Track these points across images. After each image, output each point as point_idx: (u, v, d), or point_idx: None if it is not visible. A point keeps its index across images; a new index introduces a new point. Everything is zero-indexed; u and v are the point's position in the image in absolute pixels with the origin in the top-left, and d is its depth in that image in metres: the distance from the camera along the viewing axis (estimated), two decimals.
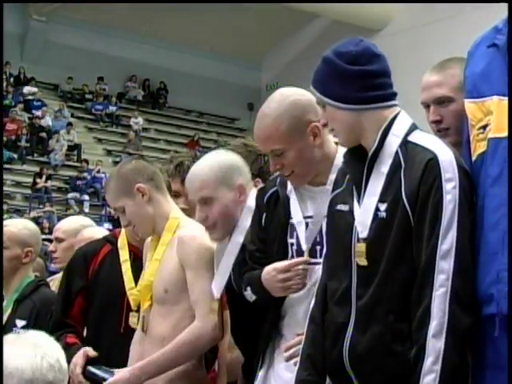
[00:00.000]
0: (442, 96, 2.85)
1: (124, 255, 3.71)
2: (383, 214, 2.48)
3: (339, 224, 2.62)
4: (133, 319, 3.52)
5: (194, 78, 26.37)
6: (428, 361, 2.34)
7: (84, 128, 25.23)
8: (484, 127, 2.50)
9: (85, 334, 3.74)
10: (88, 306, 3.71)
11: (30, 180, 21.70)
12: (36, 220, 17.32)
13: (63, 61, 24.41)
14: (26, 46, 25.08)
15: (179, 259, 3.29)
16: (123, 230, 3.75)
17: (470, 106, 2.57)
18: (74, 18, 24.44)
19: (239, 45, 25.98)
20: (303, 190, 2.96)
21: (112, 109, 25.86)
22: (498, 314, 2.35)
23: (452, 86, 2.83)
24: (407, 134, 2.54)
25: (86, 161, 23.15)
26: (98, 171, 23.00)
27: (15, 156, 22.03)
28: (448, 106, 2.85)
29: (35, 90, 24.30)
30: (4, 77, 23.21)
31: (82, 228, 4.50)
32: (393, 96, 2.61)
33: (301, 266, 2.83)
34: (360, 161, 2.58)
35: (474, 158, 2.53)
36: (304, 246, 2.89)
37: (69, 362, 3.55)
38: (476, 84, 2.55)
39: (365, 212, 2.53)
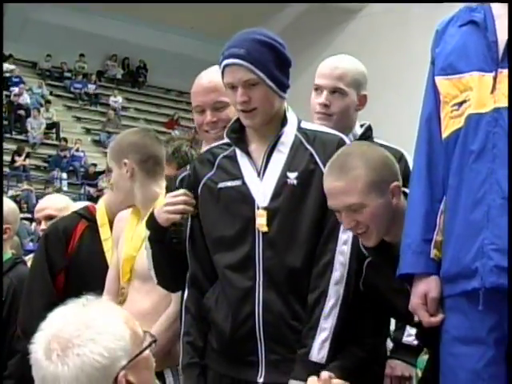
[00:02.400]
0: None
1: (105, 233, 3.71)
2: (293, 182, 2.78)
3: (229, 198, 2.84)
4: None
5: (173, 57, 26.27)
6: (329, 303, 2.70)
7: (63, 106, 25.09)
8: (460, 104, 2.51)
9: None
10: (68, 285, 3.68)
11: (9, 158, 21.59)
12: (14, 199, 17.24)
13: (42, 38, 24.24)
14: (5, 22, 24.87)
15: None
16: (100, 206, 3.75)
17: (444, 82, 2.58)
18: None
19: (220, 23, 25.87)
20: None
21: (91, 87, 25.73)
22: (481, 288, 2.37)
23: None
24: (299, 123, 2.90)
25: (65, 139, 23.04)
26: (77, 150, 22.92)
27: None
28: None
29: (13, 67, 24.12)
30: None
31: (69, 204, 4.49)
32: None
33: (182, 191, 2.92)
34: (242, 141, 2.89)
35: (445, 135, 2.54)
36: None
37: None
38: (450, 61, 2.57)
39: (266, 184, 2.79)
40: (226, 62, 2.78)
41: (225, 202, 2.84)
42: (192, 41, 26.34)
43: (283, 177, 2.78)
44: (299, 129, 2.88)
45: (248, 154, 2.86)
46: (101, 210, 3.75)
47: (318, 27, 23.64)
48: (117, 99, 25.55)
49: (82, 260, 3.69)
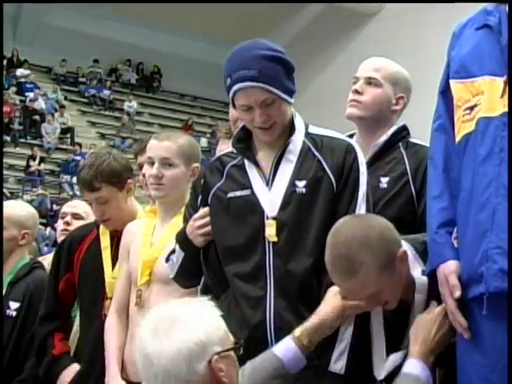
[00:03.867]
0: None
1: (104, 242, 3.74)
2: (302, 190, 2.77)
3: (238, 207, 2.84)
4: (108, 306, 3.55)
5: (188, 62, 26.33)
6: None
7: (77, 111, 25.17)
8: (471, 108, 2.51)
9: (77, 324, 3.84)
10: (78, 294, 3.79)
11: (23, 163, 21.66)
12: (29, 203, 17.31)
13: (57, 43, 24.34)
14: (19, 28, 25.00)
15: None
16: None
17: (457, 86, 2.58)
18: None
19: (234, 29, 25.90)
20: None
21: (106, 92, 25.80)
22: (485, 292, 2.36)
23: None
24: (306, 129, 2.89)
25: (80, 144, 23.11)
26: None
27: (8, 139, 21.98)
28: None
29: (28, 72, 24.22)
30: None
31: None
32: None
33: (207, 211, 2.94)
34: (250, 150, 2.89)
35: (458, 139, 2.55)
36: None
37: (57, 375, 3.65)
38: (465, 64, 2.57)
39: (275, 193, 2.79)
40: (239, 86, 2.74)
41: (234, 212, 2.84)
42: (206, 45, 26.39)
43: (292, 186, 2.78)
44: (307, 134, 2.87)
45: (256, 162, 2.86)
46: None
47: (332, 31, 23.66)
48: (131, 104, 25.61)
49: (86, 269, 3.74)
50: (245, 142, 2.90)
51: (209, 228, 2.90)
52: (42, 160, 21.97)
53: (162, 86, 27.61)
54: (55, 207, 19.55)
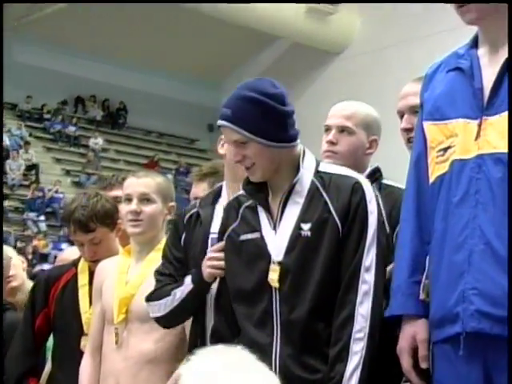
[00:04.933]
0: (416, 105, 2.92)
1: (82, 279, 3.72)
2: (307, 233, 2.70)
3: (248, 251, 2.81)
4: (84, 342, 3.52)
5: (154, 99, 26.36)
6: (352, 363, 2.59)
7: (42, 148, 25.06)
8: (445, 149, 2.54)
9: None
10: (54, 331, 3.77)
11: None
12: None
13: (23, 80, 24.27)
14: None
15: None
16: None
17: (431, 127, 2.61)
18: (33, 37, 24.33)
19: (200, 66, 26.04)
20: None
21: (71, 128, 25.74)
22: (462, 332, 2.37)
23: None
24: (317, 167, 2.82)
25: (38, 181, 23.01)
26: (56, 191, 22.84)
27: None
28: None
29: None
30: None
31: None
32: (298, 134, 2.83)
33: (222, 245, 2.91)
34: (261, 192, 2.82)
35: (432, 180, 2.57)
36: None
37: None
38: (438, 106, 2.60)
39: (280, 237, 2.75)
40: (218, 123, 2.79)
41: (245, 256, 2.80)
42: (171, 82, 26.47)
43: (297, 229, 2.71)
44: (316, 173, 2.80)
45: (266, 205, 2.81)
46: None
47: (298, 69, 23.84)
48: (97, 141, 25.56)
49: (62, 308, 3.71)
50: (259, 183, 2.83)
51: (220, 263, 2.87)
52: (6, 197, 21.79)
53: (127, 122, 27.60)
54: (19, 244, 19.39)
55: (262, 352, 2.59)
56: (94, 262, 3.67)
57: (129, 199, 3.41)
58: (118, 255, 3.64)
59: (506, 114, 2.42)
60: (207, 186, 3.86)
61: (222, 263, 2.86)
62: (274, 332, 2.69)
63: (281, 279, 2.69)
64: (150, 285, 3.20)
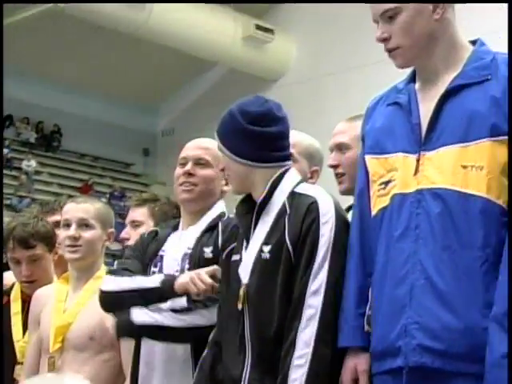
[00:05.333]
0: (341, 143, 3.12)
1: (15, 307, 3.68)
2: (267, 256, 2.69)
3: (232, 274, 2.81)
4: (18, 372, 3.45)
5: (89, 122, 26.15)
6: None
7: None
8: (386, 183, 2.58)
9: None
10: None
11: None
12: None
13: None
14: None
15: None
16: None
17: (372, 161, 2.65)
18: None
19: (136, 90, 25.93)
20: None
21: (4, 151, 25.37)
22: (405, 366, 2.41)
23: (353, 135, 3.02)
24: (294, 187, 2.77)
25: None
26: None
27: None
28: (346, 152, 3.09)
29: None
30: None
31: None
32: (286, 158, 2.83)
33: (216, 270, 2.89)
34: (249, 213, 2.79)
35: (374, 213, 2.61)
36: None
37: None
38: (378, 140, 2.65)
39: (248, 258, 2.75)
40: None
41: (231, 277, 2.83)
42: (107, 106, 26.30)
43: (260, 251, 2.72)
44: (291, 194, 2.76)
45: (246, 225, 2.81)
46: (17, 284, 3.70)
47: (234, 96, 23.83)
48: (30, 163, 25.22)
49: None
50: (252, 204, 2.82)
51: (200, 284, 2.85)
52: None
53: (61, 145, 27.30)
54: None
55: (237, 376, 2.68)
56: (28, 284, 3.60)
57: (67, 224, 3.39)
58: (53, 282, 3.60)
59: (443, 149, 2.48)
60: (147, 211, 3.85)
61: (202, 285, 2.83)
62: (247, 354, 2.69)
63: (244, 302, 2.70)
64: (88, 313, 3.17)
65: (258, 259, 2.70)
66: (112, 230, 3.47)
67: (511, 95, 2.27)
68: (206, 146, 3.24)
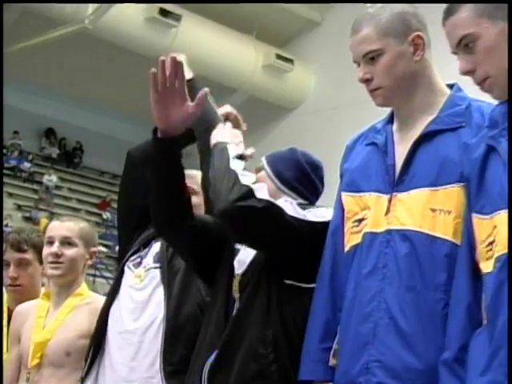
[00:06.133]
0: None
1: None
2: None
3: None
4: None
5: (110, 141, 26.25)
6: None
7: None
8: (360, 220, 2.59)
9: None
10: None
11: None
12: None
13: None
14: None
15: (90, 328, 3.27)
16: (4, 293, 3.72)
17: (348, 198, 2.65)
18: None
19: None
20: None
21: (26, 165, 25.48)
22: None
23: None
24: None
25: None
26: (6, 225, 22.51)
27: None
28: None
29: None
30: None
31: None
32: (309, 199, 2.95)
33: None
34: None
35: (347, 249, 2.61)
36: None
37: None
38: (354, 179, 2.65)
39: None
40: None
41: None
42: (128, 126, 26.37)
43: None
44: None
45: None
46: (5, 298, 3.72)
47: (251, 122, 23.92)
48: (51, 178, 25.32)
49: None
50: None
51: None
52: None
53: (82, 162, 27.42)
54: None
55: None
56: (14, 288, 3.61)
57: (51, 242, 3.43)
58: (39, 293, 3.61)
59: (413, 191, 2.48)
60: None
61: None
62: None
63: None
64: (66, 329, 3.18)
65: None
66: (95, 249, 3.51)
67: (511, 98, 2.22)
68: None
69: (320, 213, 2.80)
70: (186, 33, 21.46)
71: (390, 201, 2.51)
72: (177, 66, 2.75)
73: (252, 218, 2.65)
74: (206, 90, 2.86)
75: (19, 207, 24.40)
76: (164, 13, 21.05)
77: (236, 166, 2.76)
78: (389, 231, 2.48)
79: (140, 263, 3.23)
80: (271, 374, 2.65)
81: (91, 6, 20.27)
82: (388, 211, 2.50)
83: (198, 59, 23.14)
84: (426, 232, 2.42)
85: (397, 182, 2.52)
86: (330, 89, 23.24)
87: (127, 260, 3.24)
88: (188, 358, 2.88)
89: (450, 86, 2.62)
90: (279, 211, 2.67)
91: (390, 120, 2.66)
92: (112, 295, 3.20)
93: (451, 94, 2.59)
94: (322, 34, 23.11)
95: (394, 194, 2.51)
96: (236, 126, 3.14)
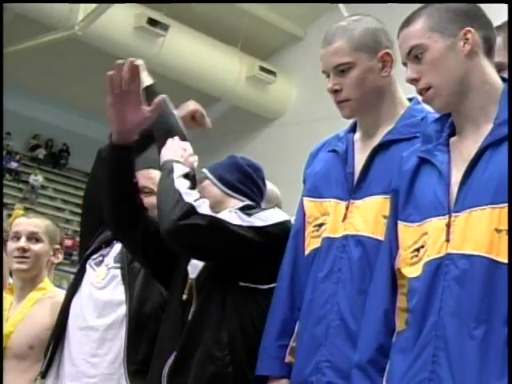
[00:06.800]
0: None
1: None
2: None
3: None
4: None
5: (95, 144, 25.96)
6: None
7: None
8: (320, 225, 2.61)
9: None
10: None
11: None
12: None
13: None
14: None
15: (53, 322, 3.28)
16: None
17: (309, 204, 2.68)
18: None
19: None
20: None
21: (14, 164, 25.35)
22: None
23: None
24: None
25: None
26: None
27: None
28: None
29: None
30: None
31: None
32: (254, 200, 2.99)
33: None
34: None
35: (307, 252, 2.64)
36: None
37: None
38: (316, 185, 2.68)
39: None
40: None
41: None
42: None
43: None
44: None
45: None
46: None
47: (233, 131, 23.95)
48: (37, 178, 25.21)
49: None
50: None
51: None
52: None
53: (68, 163, 27.30)
54: None
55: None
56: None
57: (17, 237, 3.42)
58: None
59: (368, 199, 2.51)
60: None
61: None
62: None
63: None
64: (28, 322, 3.17)
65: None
66: (58, 246, 3.52)
67: (511, 96, 2.23)
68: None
69: (265, 216, 2.80)
70: (173, 42, 21.45)
71: (347, 207, 2.54)
72: (134, 69, 2.73)
73: (197, 235, 2.66)
74: (164, 96, 2.84)
75: (4, 205, 24.26)
76: (152, 22, 21.03)
77: (181, 184, 2.77)
78: (345, 237, 2.51)
79: (102, 262, 3.24)
80: (227, 376, 2.65)
81: (82, 13, 20.23)
82: (345, 217, 2.53)
83: (184, 68, 23.15)
84: (378, 238, 2.45)
85: (354, 190, 2.55)
86: (310, 101, 23.27)
87: (89, 257, 3.24)
88: (150, 359, 2.88)
89: (411, 100, 2.66)
90: (223, 224, 2.69)
91: (353, 129, 2.70)
92: (73, 291, 3.20)
93: (409, 107, 2.63)
94: (304, 49, 23.15)
95: (352, 201, 2.54)
96: (201, 122, 3.18)
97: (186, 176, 2.83)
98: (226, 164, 3.00)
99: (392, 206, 2.36)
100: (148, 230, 2.92)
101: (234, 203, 2.91)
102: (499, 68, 2.39)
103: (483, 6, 2.36)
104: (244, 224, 2.72)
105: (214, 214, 2.69)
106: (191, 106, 3.26)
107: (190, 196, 2.72)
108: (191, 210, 2.65)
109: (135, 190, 2.97)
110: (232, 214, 2.76)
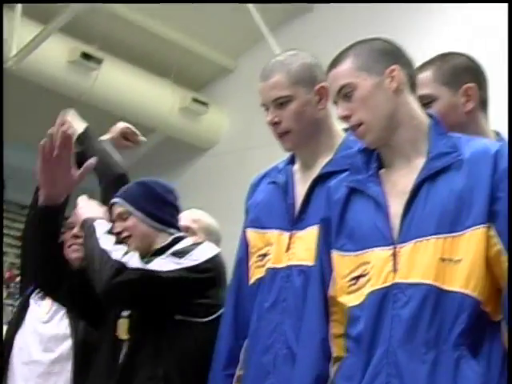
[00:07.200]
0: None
1: None
2: None
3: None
4: None
5: (31, 177, 25.77)
6: None
7: None
8: (263, 255, 2.65)
9: None
10: None
11: None
12: None
13: None
14: None
15: None
16: None
17: (252, 234, 2.71)
18: None
19: None
20: None
21: None
22: None
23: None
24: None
25: None
26: None
27: None
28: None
29: None
30: None
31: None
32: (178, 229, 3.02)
33: None
34: None
35: (252, 281, 2.68)
36: None
37: None
38: (258, 216, 2.71)
39: None
40: None
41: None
42: None
43: None
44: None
45: None
46: None
47: (168, 161, 23.87)
48: None
49: None
50: None
51: None
52: None
53: (4, 196, 26.82)
54: None
55: None
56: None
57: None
58: None
59: (309, 229, 2.53)
60: None
61: None
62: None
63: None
64: None
65: None
66: None
67: (511, 98, 2.28)
68: None
69: (196, 256, 2.85)
70: (107, 75, 21.26)
71: (290, 238, 2.58)
72: (66, 138, 2.73)
73: (132, 290, 2.72)
74: (93, 161, 2.85)
75: None
76: (86, 56, 20.85)
77: (106, 242, 2.82)
78: (289, 267, 2.54)
79: (45, 296, 3.17)
80: None
81: (15, 48, 20.01)
82: (288, 248, 2.57)
83: (118, 100, 22.97)
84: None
85: (296, 221, 2.58)
86: (242, 130, 23.28)
87: (32, 292, 3.19)
88: None
89: (345, 130, 2.70)
90: (155, 274, 2.74)
91: (291, 161, 2.74)
92: (16, 326, 3.14)
93: (345, 138, 2.67)
94: (235, 80, 23.27)
95: (294, 231, 2.57)
96: (134, 139, 3.20)
97: (109, 232, 2.88)
98: (143, 194, 2.96)
99: (322, 235, 2.38)
100: (73, 283, 2.97)
101: (164, 238, 2.94)
102: (430, 99, 2.47)
103: (404, 44, 2.44)
104: (178, 267, 2.77)
105: (144, 267, 2.75)
106: (120, 125, 3.28)
107: (117, 253, 2.77)
108: (121, 268, 2.71)
109: (61, 249, 3.06)
110: (164, 260, 2.80)
